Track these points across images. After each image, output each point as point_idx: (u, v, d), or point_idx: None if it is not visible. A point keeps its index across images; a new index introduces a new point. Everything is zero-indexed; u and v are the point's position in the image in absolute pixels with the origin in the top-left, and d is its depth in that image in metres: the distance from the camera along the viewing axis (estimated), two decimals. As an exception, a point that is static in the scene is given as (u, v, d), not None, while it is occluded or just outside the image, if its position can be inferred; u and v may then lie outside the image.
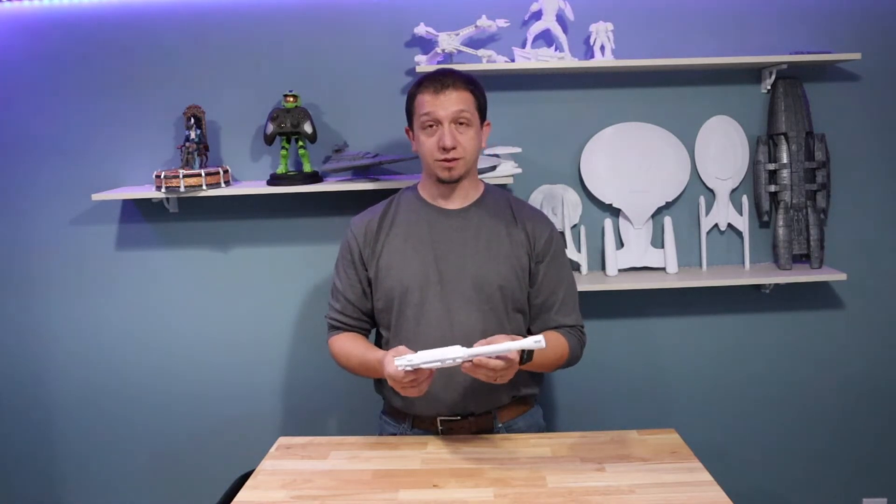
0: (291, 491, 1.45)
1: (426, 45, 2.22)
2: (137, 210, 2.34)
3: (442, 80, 1.62)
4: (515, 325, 1.71)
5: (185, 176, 2.09)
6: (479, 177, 1.82)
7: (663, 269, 2.32)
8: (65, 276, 2.36)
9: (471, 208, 1.73)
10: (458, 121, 1.62)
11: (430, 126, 1.63)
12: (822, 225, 2.29)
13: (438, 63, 2.16)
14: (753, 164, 2.31)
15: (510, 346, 1.41)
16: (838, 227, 2.35)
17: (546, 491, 1.41)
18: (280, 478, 1.50)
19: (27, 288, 2.37)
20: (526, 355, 1.46)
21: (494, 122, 2.12)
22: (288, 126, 2.15)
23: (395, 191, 1.88)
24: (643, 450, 1.58)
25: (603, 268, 2.34)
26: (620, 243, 2.34)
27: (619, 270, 2.32)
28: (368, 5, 2.24)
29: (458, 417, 1.69)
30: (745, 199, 2.31)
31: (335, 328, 1.78)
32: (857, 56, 2.15)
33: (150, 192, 2.15)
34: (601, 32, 2.17)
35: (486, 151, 2.11)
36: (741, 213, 2.32)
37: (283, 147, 2.21)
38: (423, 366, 1.41)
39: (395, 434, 1.76)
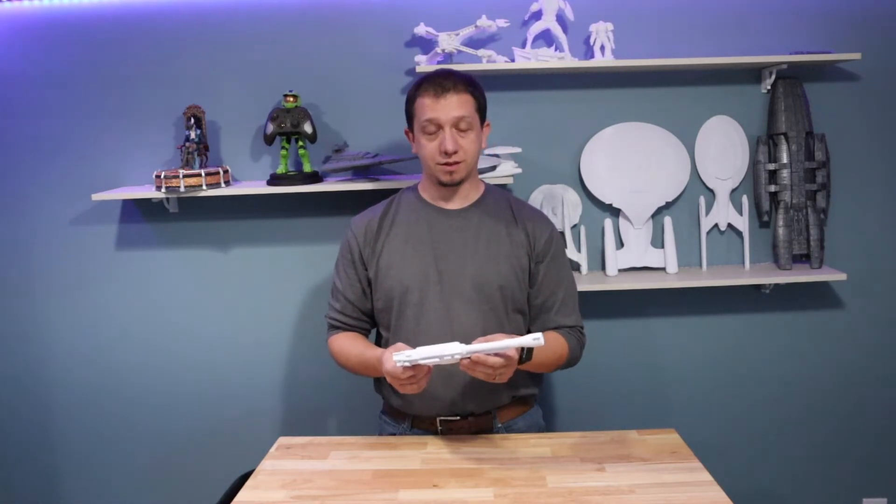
0: (291, 491, 1.45)
1: (426, 45, 2.22)
2: (137, 210, 2.34)
3: (442, 83, 1.61)
4: (515, 325, 1.71)
5: (185, 176, 2.09)
6: (479, 177, 1.82)
7: (663, 269, 2.32)
8: (65, 276, 2.36)
9: (471, 208, 1.73)
10: (459, 125, 1.62)
11: (432, 132, 1.63)
12: (822, 225, 2.29)
13: (438, 63, 2.16)
14: (753, 164, 2.31)
15: (509, 342, 1.40)
16: (838, 227, 2.35)
17: (546, 491, 1.41)
18: (280, 478, 1.50)
19: (27, 288, 2.37)
20: (525, 354, 1.45)
21: (494, 122, 2.12)
22: (288, 126, 2.15)
23: (395, 191, 1.88)
24: (643, 450, 1.58)
25: (603, 268, 2.34)
26: (620, 243, 2.34)
27: (619, 270, 2.32)
28: (368, 5, 2.24)
29: (458, 417, 1.69)
30: (745, 199, 2.31)
31: (335, 328, 1.78)
32: (857, 56, 2.15)
33: (150, 192, 2.15)
34: (601, 32, 2.18)
35: (486, 151, 2.11)
36: (741, 213, 2.32)
37: (283, 147, 2.21)
38: (422, 361, 1.41)
39: (394, 434, 1.76)
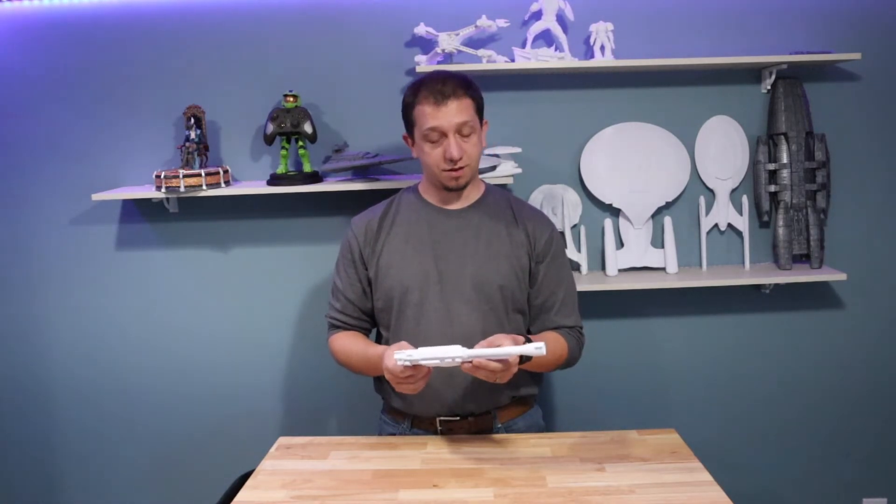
0: (291, 491, 1.45)
1: (426, 45, 2.22)
2: (137, 210, 2.34)
3: (441, 89, 1.60)
4: (515, 325, 1.71)
5: (185, 176, 2.09)
6: (479, 177, 1.82)
7: (663, 269, 2.32)
8: (65, 276, 2.36)
9: (471, 208, 1.73)
10: (462, 131, 1.62)
11: (435, 140, 1.63)
12: (822, 225, 2.29)
13: (438, 63, 2.16)
14: (753, 164, 2.31)
15: (511, 350, 1.41)
16: (838, 227, 2.35)
17: (546, 491, 1.41)
18: (280, 478, 1.50)
19: (27, 288, 2.37)
20: (524, 356, 1.46)
21: (494, 122, 2.12)
22: (288, 126, 2.15)
23: (395, 191, 1.88)
24: (643, 450, 1.58)
25: (603, 268, 2.34)
26: (620, 243, 2.34)
27: (619, 270, 2.32)
28: (368, 5, 2.24)
29: (458, 417, 1.69)
30: (745, 199, 2.31)
31: (335, 327, 1.78)
32: (857, 56, 2.15)
33: (150, 192, 2.15)
34: (601, 32, 2.17)
35: (486, 151, 2.11)
36: (741, 213, 2.32)
37: (283, 147, 2.21)
38: (422, 362, 1.42)
39: (394, 434, 1.76)
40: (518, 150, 2.14)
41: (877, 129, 2.32)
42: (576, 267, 2.30)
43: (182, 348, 2.39)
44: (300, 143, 2.20)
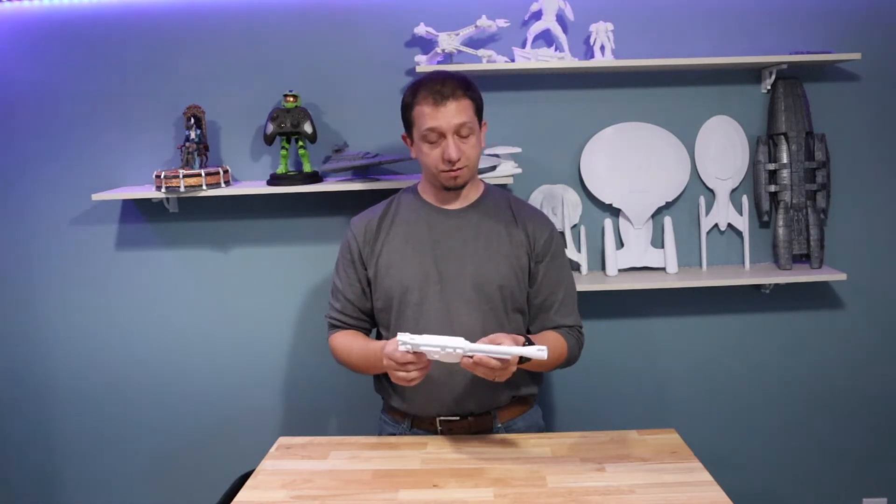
0: (291, 491, 1.45)
1: (426, 45, 2.22)
2: (137, 210, 2.34)
3: (440, 90, 1.60)
4: (515, 325, 1.71)
5: (185, 176, 2.09)
6: (479, 177, 1.82)
7: (663, 269, 2.32)
8: (65, 276, 2.36)
9: (471, 208, 1.73)
10: (460, 132, 1.62)
11: (433, 140, 1.63)
12: (822, 225, 2.29)
13: (438, 63, 2.16)
14: (753, 164, 2.31)
15: (513, 350, 1.41)
16: (838, 227, 2.35)
17: (546, 491, 1.41)
18: (280, 478, 1.50)
19: (27, 288, 2.37)
20: (524, 356, 1.46)
21: (494, 121, 2.12)
22: (288, 126, 2.15)
23: (395, 191, 1.88)
24: (643, 450, 1.58)
25: (603, 268, 2.34)
26: (620, 243, 2.34)
27: (619, 270, 2.32)
28: (368, 5, 2.24)
29: (458, 417, 1.69)
30: (745, 199, 2.31)
31: (335, 327, 1.78)
32: (857, 56, 2.15)
33: (150, 192, 2.15)
34: (601, 32, 2.17)
35: (486, 151, 2.11)
36: (741, 213, 2.32)
37: (283, 147, 2.21)
38: (424, 348, 1.42)
39: (394, 434, 1.76)
40: (518, 150, 2.14)
41: (877, 129, 2.32)
42: (576, 267, 2.30)
43: (182, 348, 2.39)
44: (300, 143, 2.20)
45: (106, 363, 2.40)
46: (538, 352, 1.40)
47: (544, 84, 2.28)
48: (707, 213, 2.32)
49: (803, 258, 2.33)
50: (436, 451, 1.60)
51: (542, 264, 1.72)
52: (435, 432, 1.71)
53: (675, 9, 2.25)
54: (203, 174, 2.12)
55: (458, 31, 2.14)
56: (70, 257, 2.35)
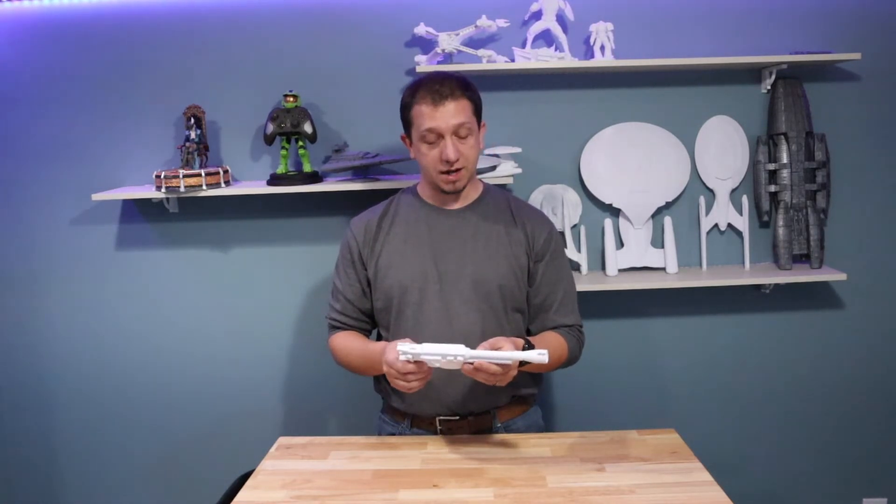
0: (291, 491, 1.45)
1: (426, 45, 2.22)
2: (137, 210, 2.34)
3: (439, 90, 1.60)
4: (515, 324, 1.71)
5: (185, 176, 2.09)
6: (479, 177, 1.82)
7: (663, 269, 2.32)
8: (65, 276, 2.36)
9: (470, 208, 1.73)
10: (459, 132, 1.62)
11: (432, 141, 1.63)
12: (822, 225, 2.29)
13: (438, 63, 2.16)
14: (753, 164, 2.31)
15: (514, 355, 1.41)
16: (838, 227, 2.35)
17: (546, 491, 1.41)
18: (280, 478, 1.50)
19: (27, 288, 2.37)
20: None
21: (494, 122, 2.13)
22: (288, 126, 2.15)
23: (394, 191, 1.88)
24: (643, 450, 1.58)
25: (603, 268, 2.34)
26: (620, 243, 2.34)
27: (619, 270, 2.32)
28: (368, 5, 2.24)
29: (458, 417, 1.69)
30: (745, 199, 2.31)
31: (335, 328, 1.78)
32: (857, 56, 2.15)
33: (150, 192, 2.15)
34: (601, 32, 2.18)
35: (486, 151, 2.11)
36: (741, 213, 2.32)
37: (283, 147, 2.21)
38: (425, 357, 1.42)
39: (394, 433, 1.76)
40: (518, 150, 2.14)
41: (877, 129, 2.32)
42: (576, 267, 2.30)
43: (182, 348, 2.39)
44: (300, 143, 2.20)
45: (106, 363, 2.40)
46: (539, 356, 1.40)
47: (544, 84, 2.28)
48: (707, 213, 2.32)
49: (803, 258, 2.33)
50: (436, 451, 1.60)
51: (542, 264, 1.72)
52: (435, 432, 1.71)
53: (675, 9, 2.25)
54: (203, 174, 2.12)
55: (458, 31, 2.14)
56: (70, 257, 2.35)
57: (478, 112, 1.67)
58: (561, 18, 2.19)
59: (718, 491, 1.39)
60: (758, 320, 2.39)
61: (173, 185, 2.09)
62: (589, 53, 2.24)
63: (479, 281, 1.67)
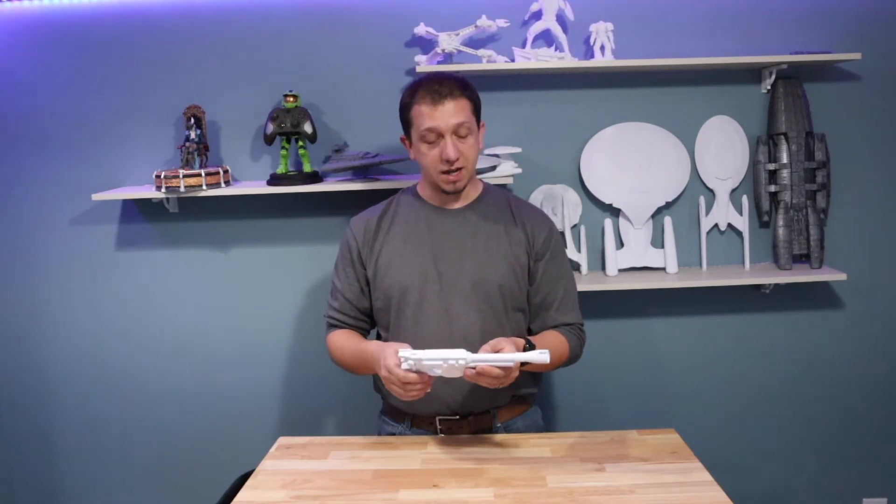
0: (291, 491, 1.45)
1: (426, 45, 2.22)
2: (137, 210, 2.34)
3: (438, 90, 1.60)
4: (515, 324, 1.71)
5: (185, 176, 2.09)
6: (479, 177, 1.82)
7: (663, 269, 2.32)
8: (65, 276, 2.36)
9: (470, 208, 1.73)
10: (458, 132, 1.62)
11: (432, 140, 1.63)
12: (822, 225, 2.29)
13: (438, 63, 2.16)
14: (753, 164, 2.31)
15: (515, 357, 1.41)
16: (838, 227, 2.35)
17: (546, 491, 1.41)
18: (280, 478, 1.50)
19: (27, 288, 2.37)
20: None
21: (495, 122, 2.13)
22: (288, 126, 2.15)
23: (394, 191, 1.88)
24: (643, 450, 1.58)
25: (603, 268, 2.34)
26: (620, 243, 2.34)
27: (619, 270, 2.32)
28: (368, 5, 2.24)
29: (457, 417, 1.69)
30: (745, 199, 2.31)
31: (333, 326, 1.78)
32: (857, 56, 2.15)
33: (150, 192, 2.15)
34: (601, 32, 2.18)
35: (486, 151, 2.11)
36: (741, 213, 2.32)
37: (283, 147, 2.21)
38: (427, 363, 1.41)
39: (393, 433, 1.76)
40: (518, 150, 2.14)
41: (877, 129, 2.32)
42: (576, 267, 2.30)
43: (182, 348, 2.39)
44: (300, 143, 2.20)
45: (106, 363, 2.40)
46: (540, 356, 1.40)
47: (544, 84, 2.28)
48: (707, 213, 2.32)
49: (803, 258, 2.33)
50: (436, 451, 1.60)
51: (542, 262, 1.72)
52: (434, 432, 1.71)
53: (675, 9, 2.25)
54: (203, 174, 2.12)
55: (458, 31, 2.14)
56: (70, 257, 2.35)
57: (477, 112, 1.67)
58: (561, 18, 2.19)
59: (718, 491, 1.39)
60: (758, 320, 2.39)
61: (173, 185, 2.09)
62: (589, 53, 2.24)
63: (479, 281, 1.67)
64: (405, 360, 1.42)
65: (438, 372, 1.42)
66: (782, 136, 2.27)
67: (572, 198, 2.31)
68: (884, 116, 2.31)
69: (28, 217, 2.34)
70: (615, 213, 2.34)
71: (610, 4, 2.23)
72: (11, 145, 2.31)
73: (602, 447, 1.60)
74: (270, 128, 2.15)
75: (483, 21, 2.13)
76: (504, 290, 1.68)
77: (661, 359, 2.41)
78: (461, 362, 1.41)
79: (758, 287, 2.36)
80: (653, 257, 2.33)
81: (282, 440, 1.70)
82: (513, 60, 2.17)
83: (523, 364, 1.46)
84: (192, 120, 2.19)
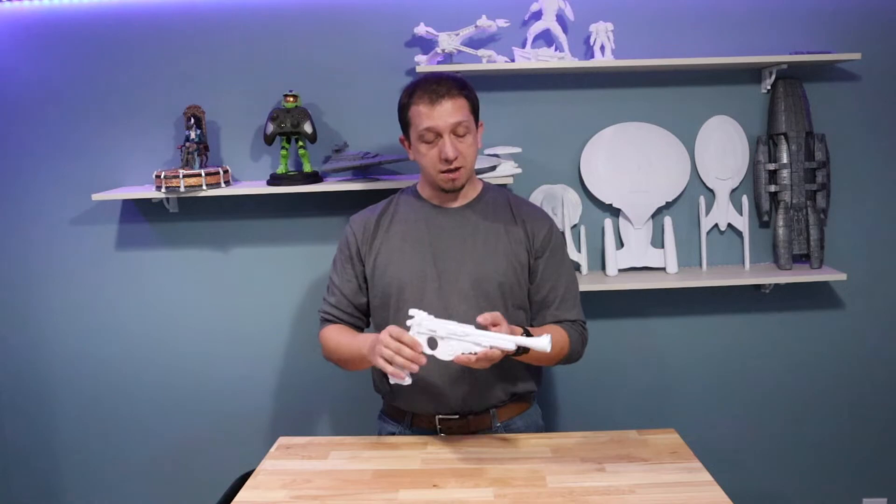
0: (291, 491, 1.45)
1: (426, 45, 2.22)
2: (137, 210, 2.34)
3: (436, 89, 1.60)
4: (516, 322, 1.69)
5: (185, 176, 2.09)
6: (480, 177, 1.82)
7: (663, 269, 2.32)
8: (65, 276, 2.36)
9: (469, 206, 1.73)
10: (457, 131, 1.62)
11: (430, 140, 1.63)
12: (822, 225, 2.29)
13: (438, 63, 2.16)
14: (753, 164, 2.31)
15: (518, 340, 1.42)
16: (838, 227, 2.35)
17: (546, 491, 1.41)
18: (280, 478, 1.50)
19: (27, 288, 2.37)
20: (521, 347, 1.46)
21: (495, 122, 2.13)
22: (288, 126, 2.15)
23: (394, 191, 1.88)
24: (643, 450, 1.58)
25: (603, 268, 2.34)
26: (620, 243, 2.34)
27: (619, 270, 2.32)
28: (368, 5, 2.24)
29: (457, 416, 1.69)
30: (745, 199, 2.31)
31: (327, 321, 1.78)
32: (857, 56, 2.15)
33: (150, 192, 2.15)
34: (601, 32, 2.18)
35: (486, 151, 2.11)
36: (741, 213, 2.32)
37: (283, 147, 2.21)
38: (440, 332, 1.43)
39: (393, 433, 1.76)
40: (518, 150, 2.14)
41: (877, 129, 2.32)
42: (576, 267, 2.30)
43: (182, 348, 2.39)
44: (300, 143, 2.20)
45: (106, 363, 2.40)
46: (542, 341, 1.40)
47: (544, 84, 2.28)
48: (707, 213, 2.32)
49: (803, 258, 2.33)
50: (436, 450, 1.60)
51: (542, 260, 1.72)
52: (434, 431, 1.71)
53: (675, 9, 2.25)
54: (203, 174, 2.12)
55: (458, 31, 2.14)
56: (70, 257, 2.35)
57: (475, 111, 1.67)
58: (561, 18, 2.19)
59: (718, 491, 1.39)
60: (758, 320, 2.39)
61: (173, 185, 2.09)
62: (589, 53, 2.24)
63: (479, 279, 1.67)
64: (417, 323, 1.45)
65: (430, 352, 1.44)
66: (782, 136, 2.27)
67: (572, 198, 2.31)
68: (884, 116, 2.31)
69: (28, 217, 2.34)
70: (615, 213, 2.34)
71: (610, 4, 2.23)
72: (11, 145, 2.31)
73: (602, 447, 1.60)
74: (270, 128, 2.15)
75: (483, 21, 2.13)
76: (504, 288, 1.68)
77: (661, 358, 2.41)
78: (476, 349, 1.41)
79: (758, 287, 2.36)
80: (653, 257, 2.33)
81: (282, 440, 1.70)
82: (513, 60, 2.17)
83: (524, 352, 1.46)
84: (192, 120, 2.19)
